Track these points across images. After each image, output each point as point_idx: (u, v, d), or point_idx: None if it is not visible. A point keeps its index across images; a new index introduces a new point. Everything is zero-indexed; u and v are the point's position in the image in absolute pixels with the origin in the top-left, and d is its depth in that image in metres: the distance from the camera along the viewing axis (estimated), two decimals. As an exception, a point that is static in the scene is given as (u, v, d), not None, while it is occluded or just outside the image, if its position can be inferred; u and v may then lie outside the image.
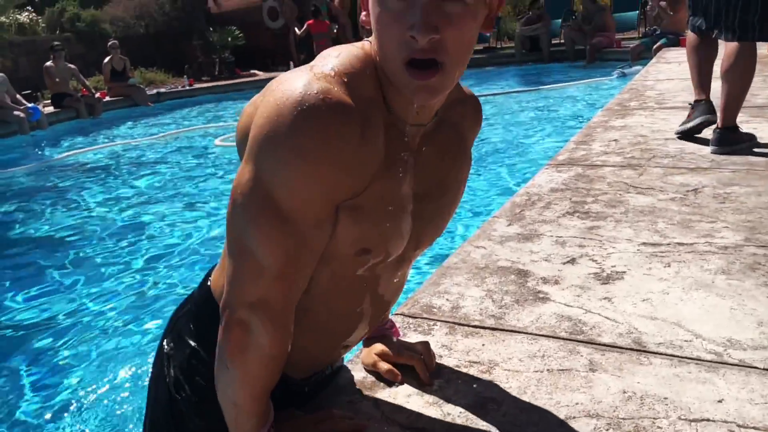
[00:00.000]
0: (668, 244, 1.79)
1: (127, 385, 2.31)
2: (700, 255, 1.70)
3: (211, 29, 12.84)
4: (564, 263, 1.71)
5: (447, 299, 1.53)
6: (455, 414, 1.09)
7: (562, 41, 11.49)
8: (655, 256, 1.72)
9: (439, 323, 1.42)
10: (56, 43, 9.46)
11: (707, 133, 2.93)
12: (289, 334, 0.87)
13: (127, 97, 9.90)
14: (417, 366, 1.17)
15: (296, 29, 12.42)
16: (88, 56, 11.07)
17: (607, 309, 1.43)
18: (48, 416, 2.19)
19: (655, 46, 8.37)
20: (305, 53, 12.47)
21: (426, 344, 1.22)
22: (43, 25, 12.00)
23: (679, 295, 1.48)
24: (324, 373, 1.13)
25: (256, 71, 12.54)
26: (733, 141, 2.75)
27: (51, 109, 8.96)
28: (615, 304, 1.46)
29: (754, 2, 2.64)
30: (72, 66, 9.20)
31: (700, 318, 1.36)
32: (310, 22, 11.84)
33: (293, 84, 0.77)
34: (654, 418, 1.05)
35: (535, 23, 11.32)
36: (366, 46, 0.85)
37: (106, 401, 2.23)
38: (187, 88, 11.07)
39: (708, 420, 1.04)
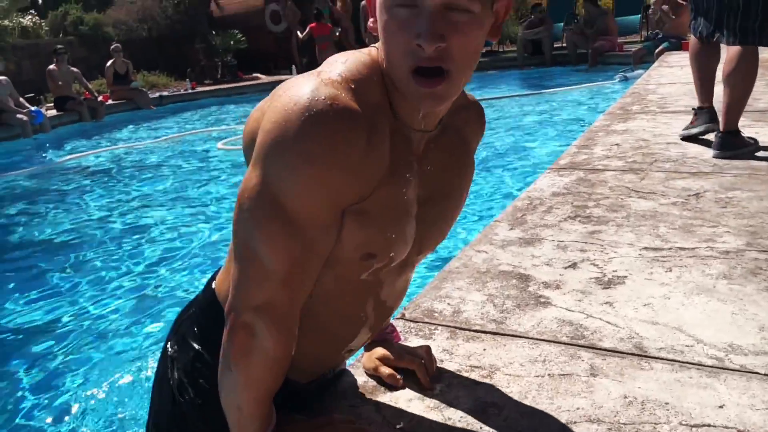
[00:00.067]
0: (669, 249, 1.79)
1: (130, 388, 2.31)
2: (701, 260, 1.70)
3: (213, 33, 12.88)
4: (565, 268, 1.71)
5: (448, 303, 1.53)
6: (456, 418, 1.09)
7: (565, 45, 11.51)
8: (656, 260, 1.72)
9: (440, 327, 1.42)
10: (59, 46, 9.49)
11: (709, 135, 2.95)
12: (293, 337, 0.87)
13: (130, 100, 9.92)
14: (418, 370, 1.17)
15: (299, 33, 12.45)
16: (90, 59, 11.11)
17: (609, 314, 1.44)
18: (50, 419, 2.19)
19: (657, 50, 8.39)
20: (307, 57, 12.51)
21: (427, 348, 1.22)
22: (46, 28, 12.05)
23: (681, 300, 1.48)
24: (326, 377, 1.13)
25: (259, 75, 12.58)
26: (735, 145, 2.75)
27: (54, 112, 8.99)
28: (616, 308, 1.46)
29: (754, 7, 2.65)
30: (75, 69, 9.23)
31: (701, 323, 1.36)
32: (313, 25, 11.86)
33: (301, 89, 0.78)
34: (655, 424, 1.05)
35: (537, 27, 11.34)
36: (373, 52, 0.86)
37: (108, 404, 2.24)
38: (190, 91, 11.09)
39: (709, 425, 1.04)
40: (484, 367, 1.24)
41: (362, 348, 1.20)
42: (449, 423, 1.08)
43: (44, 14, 12.78)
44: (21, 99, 8.27)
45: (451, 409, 1.12)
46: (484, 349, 1.31)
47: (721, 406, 1.08)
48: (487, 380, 1.20)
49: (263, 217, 0.80)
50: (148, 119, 9.25)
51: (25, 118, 7.93)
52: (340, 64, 0.83)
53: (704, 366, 1.20)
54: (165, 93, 10.85)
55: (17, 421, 2.20)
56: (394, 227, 0.88)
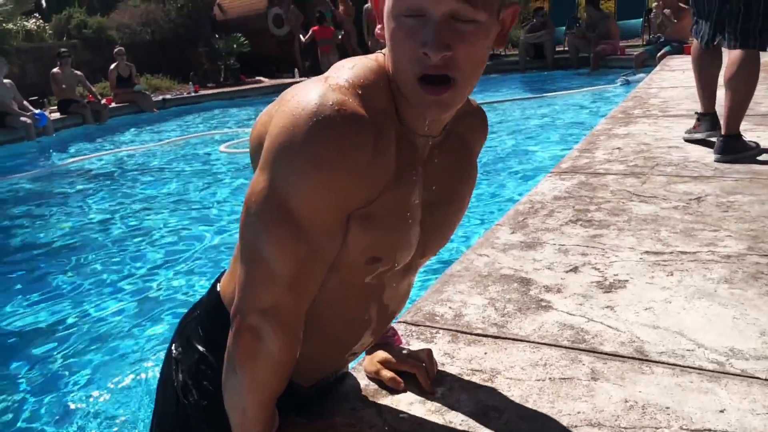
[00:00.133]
0: (671, 253, 1.79)
1: (132, 390, 2.32)
2: (702, 264, 1.70)
3: (216, 36, 12.91)
4: (566, 272, 1.71)
5: (450, 307, 1.54)
6: (457, 422, 1.09)
7: (566, 49, 11.52)
8: (657, 264, 1.72)
9: (441, 331, 1.42)
10: (63, 49, 9.53)
11: (712, 137, 2.96)
12: (298, 341, 0.88)
13: (133, 103, 9.95)
14: (419, 374, 1.18)
15: (301, 36, 12.49)
16: (94, 63, 11.15)
17: (610, 318, 1.44)
18: (52, 421, 2.20)
19: (659, 54, 8.40)
20: (310, 60, 12.54)
21: (428, 352, 1.22)
22: (50, 31, 12.10)
23: (682, 304, 1.48)
24: (329, 380, 1.13)
25: (261, 78, 12.60)
26: (737, 149, 2.76)
27: (57, 115, 9.02)
28: (617, 312, 1.46)
29: (755, 11, 2.66)
30: (78, 72, 9.27)
31: (702, 327, 1.37)
32: (315, 28, 11.90)
33: (309, 95, 0.79)
34: (656, 428, 1.05)
35: (539, 31, 11.35)
36: (380, 58, 0.87)
37: (110, 406, 2.24)
38: (193, 94, 11.12)
39: (710, 430, 1.04)
40: (485, 371, 1.25)
41: (364, 351, 1.20)
42: (450, 426, 1.09)
43: (48, 18, 12.82)
44: (25, 102, 8.30)
45: (453, 412, 1.12)
46: (486, 353, 1.32)
47: (721, 411, 1.08)
48: (488, 384, 1.20)
49: (270, 221, 0.81)
50: (151, 122, 9.27)
51: (28, 120, 7.95)
52: (347, 70, 0.84)
53: (705, 370, 1.20)
54: (168, 96, 10.88)
55: (19, 424, 2.21)
56: (399, 231, 0.90)
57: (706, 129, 3.08)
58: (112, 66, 9.87)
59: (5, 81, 8.04)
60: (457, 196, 1.00)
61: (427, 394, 1.17)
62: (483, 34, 0.78)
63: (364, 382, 1.22)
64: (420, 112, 0.84)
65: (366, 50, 11.68)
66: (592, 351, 1.30)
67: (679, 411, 1.09)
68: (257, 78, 12.60)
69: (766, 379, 1.16)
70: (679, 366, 1.22)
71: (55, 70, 9.00)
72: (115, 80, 9.91)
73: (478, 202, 4.02)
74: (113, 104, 9.76)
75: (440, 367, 1.25)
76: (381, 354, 1.21)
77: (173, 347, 1.05)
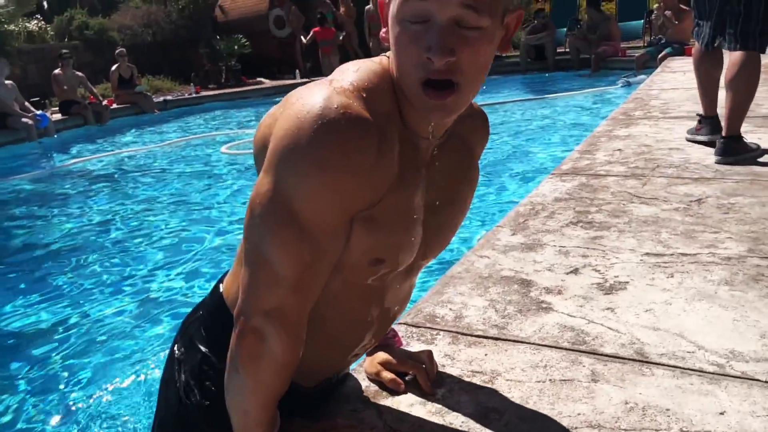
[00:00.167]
0: (671, 255, 1.79)
1: (133, 391, 2.32)
2: (703, 266, 1.70)
3: (217, 37, 12.93)
4: (567, 273, 1.72)
5: (450, 309, 1.54)
6: (457, 423, 1.10)
7: (567, 50, 11.51)
8: (658, 266, 1.72)
9: (442, 333, 1.42)
10: (64, 51, 9.54)
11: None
12: (301, 342, 0.88)
13: (134, 104, 9.96)
14: (419, 375, 1.18)
15: (302, 38, 12.50)
16: (95, 64, 11.17)
17: (610, 319, 1.44)
18: (54, 421, 2.20)
19: (660, 55, 8.40)
20: (311, 61, 12.55)
21: (429, 353, 1.22)
22: (51, 33, 12.11)
23: (682, 306, 1.48)
24: (330, 381, 1.14)
25: (263, 79, 12.61)
26: (737, 151, 2.76)
27: (59, 116, 9.03)
28: (618, 314, 1.46)
29: (755, 13, 2.66)
30: (80, 74, 9.28)
31: (702, 329, 1.37)
32: (316, 29, 11.91)
33: (314, 98, 0.79)
34: (656, 430, 1.05)
35: (540, 32, 11.35)
36: (384, 61, 0.87)
37: (111, 407, 2.24)
38: (194, 95, 11.13)
39: None
40: (485, 372, 1.25)
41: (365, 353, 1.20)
42: (450, 427, 1.09)
43: (50, 19, 12.85)
44: (26, 103, 8.31)
45: (453, 413, 1.12)
46: (486, 354, 1.32)
47: (721, 413, 1.08)
48: (488, 385, 1.20)
49: (275, 223, 0.81)
50: (152, 123, 9.28)
51: (30, 122, 7.96)
52: (351, 73, 0.85)
53: (705, 372, 1.21)
54: (169, 97, 10.89)
55: (20, 425, 2.21)
56: (402, 233, 0.90)
57: (707, 132, 3.09)
58: (114, 67, 9.89)
59: (7, 82, 8.05)
60: (458, 198, 1.00)
61: (427, 395, 1.17)
62: (487, 40, 0.79)
63: (364, 383, 1.23)
64: (424, 115, 0.85)
65: (367, 51, 11.71)
66: (593, 353, 1.30)
67: (680, 413, 1.09)
68: (258, 79, 12.61)
69: (766, 381, 1.16)
70: (680, 368, 1.22)
71: (57, 71, 9.02)
72: (117, 81, 9.92)
73: (479, 204, 4.02)
74: (114, 105, 9.77)
75: (440, 369, 1.25)
76: (381, 355, 1.22)
77: (176, 348, 1.06)
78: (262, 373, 0.87)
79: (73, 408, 2.26)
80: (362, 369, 1.25)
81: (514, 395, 1.17)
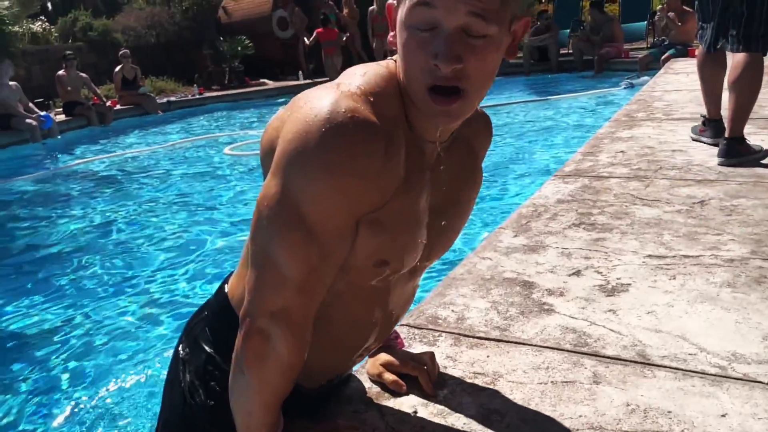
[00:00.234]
0: (674, 257, 1.79)
1: (135, 391, 2.33)
2: (705, 268, 1.70)
3: (221, 39, 12.96)
4: (569, 275, 1.72)
5: (452, 310, 1.54)
6: (459, 425, 1.10)
7: (571, 51, 11.49)
8: (660, 268, 1.72)
9: (444, 334, 1.43)
10: (68, 52, 9.57)
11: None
12: (306, 343, 0.89)
13: (138, 105, 9.99)
14: (421, 377, 1.18)
15: (305, 39, 12.52)
16: (99, 65, 11.20)
17: (612, 321, 1.44)
18: (57, 421, 2.21)
19: (663, 57, 8.38)
20: (314, 62, 12.57)
21: (431, 355, 1.23)
22: (55, 34, 12.14)
23: (684, 308, 1.48)
24: (333, 382, 1.14)
25: (266, 80, 12.64)
26: (740, 153, 2.76)
27: (62, 117, 9.05)
28: (620, 316, 1.46)
29: (758, 15, 2.66)
30: (84, 75, 9.31)
31: (704, 331, 1.37)
32: (319, 30, 11.92)
33: (322, 101, 0.80)
34: (657, 432, 1.05)
35: (543, 33, 11.35)
36: (391, 65, 0.88)
37: (113, 407, 2.25)
38: (197, 96, 11.15)
39: (711, 434, 1.04)
40: (487, 374, 1.25)
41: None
42: (452, 429, 1.09)
43: (54, 20, 12.88)
44: (30, 104, 8.34)
45: (455, 415, 1.13)
46: (488, 356, 1.32)
47: (723, 415, 1.08)
48: (490, 387, 1.21)
49: (283, 225, 0.82)
50: (155, 124, 9.30)
51: (34, 122, 7.99)
52: (359, 77, 0.86)
53: (707, 374, 1.21)
54: (173, 98, 10.91)
55: (23, 425, 2.22)
56: (407, 235, 0.91)
57: (711, 135, 3.10)
58: (117, 68, 9.91)
59: (11, 83, 8.08)
60: (462, 200, 1.01)
61: (429, 396, 1.17)
62: (494, 47, 0.79)
63: (367, 384, 1.23)
64: (430, 119, 0.85)
65: (370, 52, 11.72)
66: (595, 354, 1.30)
67: (681, 415, 1.09)
68: (261, 80, 12.63)
69: (768, 384, 1.17)
70: (681, 370, 1.22)
71: (61, 72, 9.04)
72: (120, 82, 9.95)
73: (482, 205, 4.02)
74: (118, 106, 9.80)
75: (442, 370, 1.26)
76: (384, 357, 1.22)
77: (180, 348, 1.06)
78: (268, 374, 0.87)
79: (77, 409, 2.27)
80: (364, 370, 1.26)
81: (516, 397, 1.17)
